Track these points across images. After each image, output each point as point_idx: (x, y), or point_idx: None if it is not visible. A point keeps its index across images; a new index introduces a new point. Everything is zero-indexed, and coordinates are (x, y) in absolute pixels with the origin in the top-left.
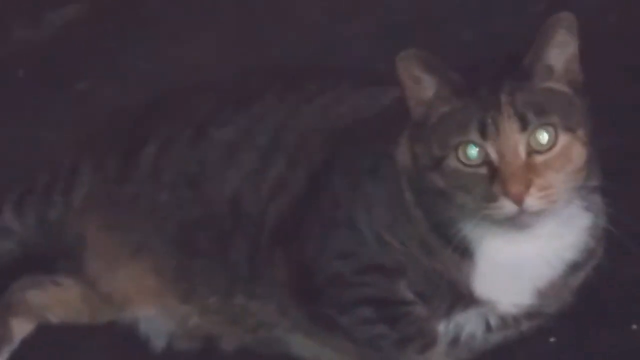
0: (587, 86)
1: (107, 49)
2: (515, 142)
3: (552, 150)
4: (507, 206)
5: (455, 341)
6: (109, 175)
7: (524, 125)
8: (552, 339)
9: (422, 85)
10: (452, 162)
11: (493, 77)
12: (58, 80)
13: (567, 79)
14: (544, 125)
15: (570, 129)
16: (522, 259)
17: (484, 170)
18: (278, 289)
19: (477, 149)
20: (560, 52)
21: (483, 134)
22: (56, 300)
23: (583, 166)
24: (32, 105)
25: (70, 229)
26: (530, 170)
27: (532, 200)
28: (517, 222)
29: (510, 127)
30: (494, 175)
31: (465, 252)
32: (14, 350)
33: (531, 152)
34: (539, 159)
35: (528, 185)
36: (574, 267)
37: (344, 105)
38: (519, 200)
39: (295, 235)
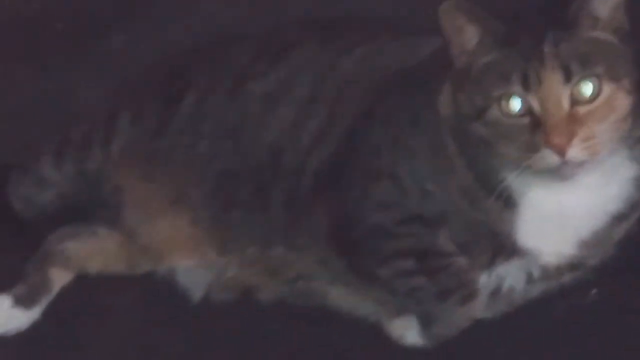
0: (633, 34)
1: (146, 1)
2: (558, 93)
3: (596, 101)
4: (550, 157)
5: (495, 293)
6: (148, 126)
7: (568, 76)
8: (593, 291)
9: (465, 36)
10: (494, 113)
11: (536, 27)
12: (97, 33)
13: (612, 27)
14: (588, 77)
15: (614, 79)
16: (566, 208)
17: (526, 121)
18: (317, 240)
19: (520, 100)
20: (605, 0)
21: (525, 85)
22: (94, 251)
23: (627, 115)
24: (71, 58)
25: (108, 180)
26: (573, 121)
27: (575, 152)
28: (559, 172)
29: (553, 79)
30: (536, 125)
31: (508, 201)
32: (52, 300)
33: (575, 102)
34: (582, 109)
35: (571, 137)
36: (618, 218)
37: (385, 56)
38: (561, 151)
39: (336, 187)
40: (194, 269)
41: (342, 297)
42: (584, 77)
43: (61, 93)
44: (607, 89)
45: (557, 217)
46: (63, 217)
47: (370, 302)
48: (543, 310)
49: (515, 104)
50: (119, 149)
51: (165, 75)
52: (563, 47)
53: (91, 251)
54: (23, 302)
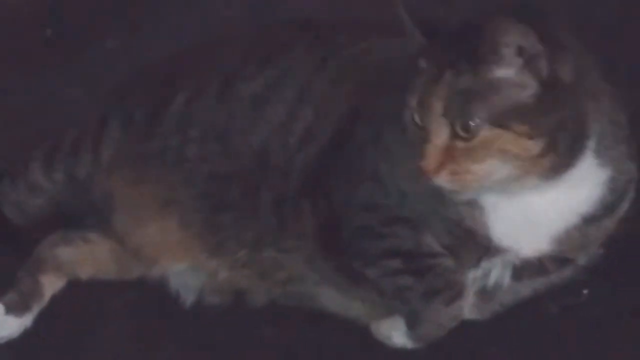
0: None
1: (135, 6)
2: (437, 123)
3: (472, 141)
4: (423, 175)
5: (484, 293)
6: (137, 130)
7: (446, 111)
8: (584, 292)
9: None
10: (406, 117)
11: (458, 50)
12: (86, 39)
13: (526, 71)
14: (463, 117)
15: (501, 125)
16: (532, 208)
17: (421, 135)
18: (305, 241)
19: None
20: (519, 40)
21: (419, 105)
22: (85, 257)
23: (540, 155)
24: (61, 65)
25: (98, 185)
26: (448, 153)
27: (443, 181)
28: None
29: (435, 108)
30: (423, 143)
31: (473, 202)
32: (44, 307)
33: (455, 136)
34: (460, 145)
35: (440, 167)
36: (589, 219)
37: (372, 57)
38: (429, 176)
39: (323, 187)
40: (186, 273)
41: (333, 299)
42: (459, 117)
43: (50, 99)
44: (486, 133)
45: (524, 215)
46: (54, 223)
47: (360, 303)
48: (534, 311)
49: (417, 117)
50: (108, 154)
51: (154, 79)
52: (462, 81)
53: (83, 257)
54: (15, 309)
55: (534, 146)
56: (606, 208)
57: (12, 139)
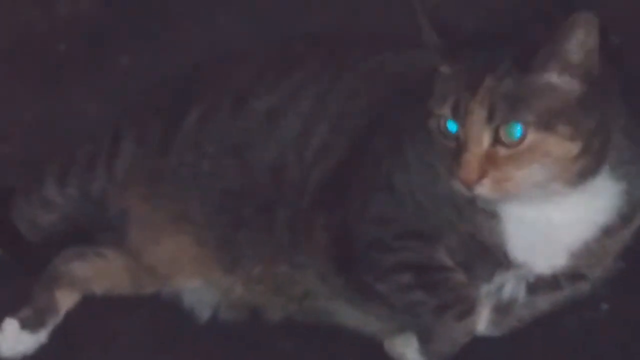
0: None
1: (150, 22)
2: (479, 130)
3: (519, 147)
4: (460, 187)
5: (499, 308)
6: (151, 146)
7: (491, 116)
8: (603, 306)
9: (427, 36)
10: (432, 124)
11: (497, 55)
12: (100, 55)
13: (581, 72)
14: (511, 122)
15: (547, 128)
16: (550, 221)
17: (452, 144)
18: (317, 256)
19: (452, 123)
20: (577, 50)
21: (455, 112)
22: (100, 272)
23: (576, 157)
24: (74, 80)
25: (113, 201)
26: (489, 160)
27: (483, 190)
28: (478, 202)
29: (477, 114)
30: (458, 153)
31: (491, 213)
32: (58, 322)
33: (497, 142)
34: (502, 151)
35: (482, 175)
36: (607, 231)
37: (387, 71)
38: (468, 187)
39: (338, 200)
40: (201, 289)
41: (349, 314)
42: (506, 121)
43: (64, 115)
44: (533, 137)
45: (542, 229)
46: (68, 238)
47: (375, 319)
48: (553, 326)
49: (448, 125)
50: (123, 169)
51: (168, 94)
52: (504, 85)
53: (97, 272)
54: (30, 325)
55: (574, 148)
56: (623, 219)
57: (26, 155)
